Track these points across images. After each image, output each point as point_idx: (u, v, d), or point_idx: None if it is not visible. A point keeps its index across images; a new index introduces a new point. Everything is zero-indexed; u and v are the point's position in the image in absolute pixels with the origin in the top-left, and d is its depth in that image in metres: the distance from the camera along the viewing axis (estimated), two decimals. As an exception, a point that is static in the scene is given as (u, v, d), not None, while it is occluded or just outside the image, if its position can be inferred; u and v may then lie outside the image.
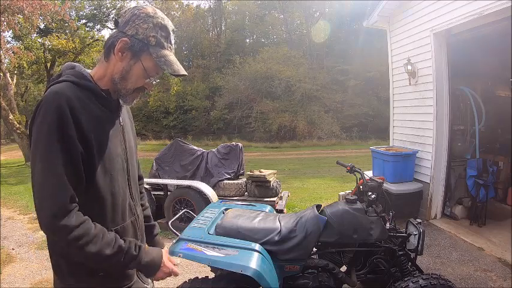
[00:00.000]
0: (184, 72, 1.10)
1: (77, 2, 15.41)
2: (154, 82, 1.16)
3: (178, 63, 1.10)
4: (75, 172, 0.98)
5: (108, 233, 1.03)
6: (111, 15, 17.10)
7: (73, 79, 1.04)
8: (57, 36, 12.96)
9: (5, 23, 8.87)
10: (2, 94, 12.36)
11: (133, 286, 1.19)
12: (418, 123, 4.58)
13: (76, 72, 1.07)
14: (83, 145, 0.99)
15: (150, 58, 1.07)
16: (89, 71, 1.12)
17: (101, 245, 0.98)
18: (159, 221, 4.50)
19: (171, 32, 1.10)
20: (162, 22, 1.08)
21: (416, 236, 2.04)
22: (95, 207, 1.05)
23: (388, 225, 2.10)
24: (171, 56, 1.09)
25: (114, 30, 1.11)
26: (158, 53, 1.07)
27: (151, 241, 1.39)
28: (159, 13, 1.09)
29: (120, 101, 1.17)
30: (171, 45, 1.11)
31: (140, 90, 1.13)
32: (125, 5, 16.87)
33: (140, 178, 1.40)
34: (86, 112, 1.01)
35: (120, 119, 1.18)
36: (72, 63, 1.13)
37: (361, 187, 2.19)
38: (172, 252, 1.79)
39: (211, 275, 2.02)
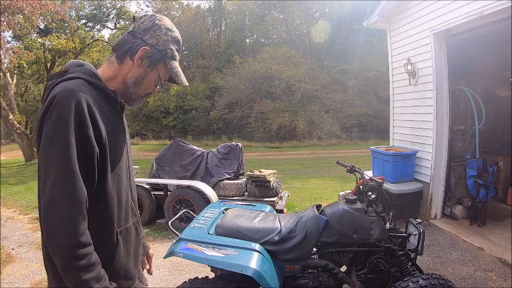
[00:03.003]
0: (187, 84, 1.22)
1: (77, 2, 15.41)
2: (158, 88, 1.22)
3: (183, 74, 1.20)
4: (89, 173, 0.96)
5: (101, 268, 0.98)
6: (111, 15, 17.12)
7: (85, 77, 1.02)
8: (57, 36, 12.96)
9: (5, 23, 8.87)
10: (2, 94, 12.36)
11: (137, 287, 1.20)
12: (418, 123, 4.58)
13: (87, 71, 1.06)
14: (99, 145, 0.98)
15: (165, 68, 1.14)
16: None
17: (92, 276, 0.93)
18: (159, 221, 4.50)
19: (181, 44, 1.20)
20: (178, 37, 1.16)
21: (416, 236, 2.04)
22: (103, 208, 1.04)
23: (388, 225, 2.10)
24: (179, 67, 1.18)
25: (127, 34, 1.12)
26: (172, 64, 1.14)
27: None
28: (174, 26, 1.17)
29: (125, 103, 1.18)
30: (179, 56, 1.20)
31: (147, 95, 1.19)
32: (125, 5, 16.88)
33: None
34: (100, 112, 1.01)
35: (123, 121, 1.19)
36: (79, 60, 1.13)
37: (361, 187, 2.19)
38: (172, 252, 1.79)
39: (211, 275, 2.02)
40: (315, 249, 2.07)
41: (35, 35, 13.20)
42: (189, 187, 4.36)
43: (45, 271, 1.08)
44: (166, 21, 1.13)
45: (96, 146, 0.97)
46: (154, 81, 1.15)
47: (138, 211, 1.26)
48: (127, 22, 16.54)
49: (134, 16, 1.15)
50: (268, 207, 2.52)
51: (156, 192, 4.69)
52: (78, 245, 0.90)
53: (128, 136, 1.23)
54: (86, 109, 0.94)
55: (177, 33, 1.15)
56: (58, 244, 0.90)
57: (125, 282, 1.13)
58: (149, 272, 1.44)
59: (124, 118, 1.22)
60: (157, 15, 1.14)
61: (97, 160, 0.98)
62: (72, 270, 0.91)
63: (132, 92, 1.13)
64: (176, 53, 1.16)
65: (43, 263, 1.09)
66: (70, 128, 0.91)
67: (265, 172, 4.61)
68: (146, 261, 1.45)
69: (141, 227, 1.31)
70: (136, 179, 4.63)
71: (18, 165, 12.53)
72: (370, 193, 2.05)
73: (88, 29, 16.30)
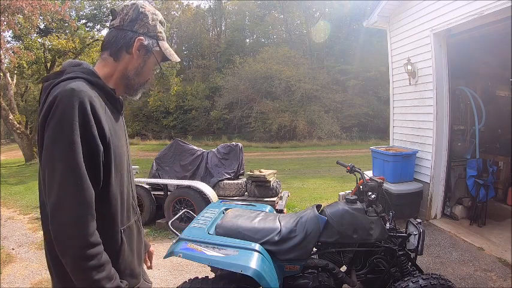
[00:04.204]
0: (179, 59, 1.26)
1: (77, 2, 15.38)
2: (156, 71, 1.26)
3: (173, 51, 1.23)
4: (95, 173, 0.96)
5: (112, 267, 0.98)
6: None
7: (85, 76, 1.02)
8: (57, 36, 12.94)
9: (5, 23, 8.87)
10: (2, 94, 12.36)
11: (141, 287, 1.20)
12: (418, 123, 4.58)
13: (86, 70, 1.05)
14: (103, 144, 0.98)
15: (159, 51, 1.17)
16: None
17: (104, 276, 0.93)
18: (159, 221, 4.50)
19: (165, 24, 1.23)
20: (162, 18, 1.19)
21: (416, 236, 2.04)
22: (107, 207, 1.04)
23: (388, 225, 2.10)
24: (169, 46, 1.21)
25: (115, 29, 1.11)
26: (164, 45, 1.18)
27: None
28: (155, 9, 1.20)
29: (129, 95, 1.21)
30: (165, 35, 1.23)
31: (147, 81, 1.22)
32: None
33: None
34: (102, 110, 1.01)
35: (123, 118, 1.20)
36: (77, 60, 1.13)
37: (361, 187, 2.19)
38: (172, 252, 1.79)
39: (211, 275, 2.02)
40: (315, 249, 2.07)
41: (35, 35, 13.18)
42: (189, 187, 4.36)
43: (45, 271, 1.08)
44: (149, 7, 1.15)
45: (100, 145, 0.96)
46: (153, 66, 1.19)
47: (138, 209, 1.26)
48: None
49: (112, 10, 1.14)
50: (268, 207, 2.52)
51: (156, 192, 4.69)
52: (88, 245, 0.90)
53: (127, 134, 1.24)
54: (89, 108, 0.94)
55: (160, 14, 1.19)
56: (67, 245, 0.90)
57: (131, 281, 1.13)
58: (149, 267, 1.44)
59: (123, 116, 1.22)
60: (137, 2, 1.14)
61: (102, 159, 0.98)
62: (83, 270, 0.91)
63: (135, 83, 1.16)
64: (164, 33, 1.20)
65: (45, 263, 1.08)
66: (74, 127, 0.90)
67: (265, 172, 4.60)
68: (147, 258, 1.45)
69: (142, 225, 1.31)
70: (136, 179, 4.63)
71: (18, 165, 12.53)
72: (370, 193, 2.05)
73: (88, 29, 16.27)
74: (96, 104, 0.97)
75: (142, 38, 1.11)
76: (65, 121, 0.90)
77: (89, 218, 0.91)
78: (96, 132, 0.95)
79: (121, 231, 1.08)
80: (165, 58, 1.20)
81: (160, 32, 1.17)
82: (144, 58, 1.14)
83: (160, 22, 1.17)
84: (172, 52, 1.21)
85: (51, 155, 0.91)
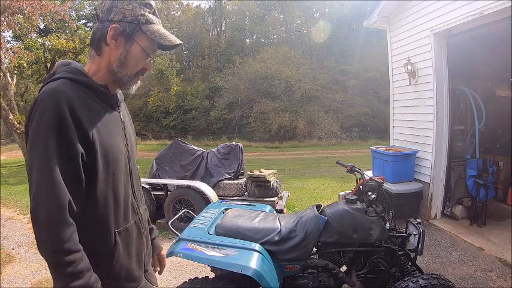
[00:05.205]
0: (180, 42, 1.11)
1: (77, 2, 15.40)
2: (152, 61, 1.13)
3: (171, 34, 1.10)
4: (74, 175, 0.93)
5: (92, 275, 0.94)
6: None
7: (69, 76, 0.99)
8: (57, 36, 12.94)
9: (5, 23, 8.86)
10: (2, 94, 12.35)
11: None
12: (418, 123, 4.58)
13: (72, 69, 1.03)
14: (85, 145, 0.95)
15: (145, 36, 1.06)
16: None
17: (80, 283, 0.90)
18: (159, 221, 4.50)
19: (154, 6, 1.10)
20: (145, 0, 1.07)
21: (416, 236, 2.04)
22: (98, 208, 1.01)
23: (388, 225, 2.10)
24: (162, 29, 1.09)
25: (96, 24, 1.08)
26: (151, 29, 1.06)
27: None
28: None
29: (119, 93, 1.15)
30: (158, 18, 1.11)
31: (140, 73, 1.12)
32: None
33: None
34: (86, 109, 0.97)
35: (121, 115, 1.15)
36: (67, 60, 1.11)
37: (361, 187, 2.19)
38: (172, 252, 1.79)
39: (211, 275, 2.02)
40: (315, 249, 2.07)
41: (35, 35, 13.18)
42: (189, 187, 4.36)
43: (45, 271, 1.09)
44: None
45: (79, 147, 0.93)
46: (141, 54, 1.07)
47: (141, 209, 1.21)
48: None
49: (96, 8, 1.13)
50: (268, 207, 2.52)
51: (156, 192, 4.69)
52: (62, 251, 0.88)
53: (129, 131, 1.18)
54: (66, 110, 0.91)
55: None
56: (43, 249, 0.90)
57: (128, 285, 1.10)
58: (159, 273, 1.42)
59: (123, 112, 1.18)
60: None
61: (84, 160, 0.95)
62: (59, 275, 0.91)
63: (121, 75, 1.07)
64: (151, 16, 1.07)
65: (45, 263, 1.07)
66: (49, 130, 0.89)
67: (265, 172, 4.60)
68: (158, 262, 1.41)
69: (146, 226, 1.26)
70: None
71: (18, 165, 12.52)
72: (370, 193, 2.05)
73: (88, 29, 16.29)
74: (75, 103, 0.94)
75: (116, 25, 1.01)
76: (41, 124, 0.90)
77: (60, 224, 0.89)
78: (73, 134, 0.92)
79: (115, 233, 1.04)
80: (159, 44, 1.08)
81: (142, 15, 1.04)
82: (125, 47, 1.04)
83: (143, 4, 1.05)
84: (167, 34, 1.08)
85: (31, 157, 0.92)
